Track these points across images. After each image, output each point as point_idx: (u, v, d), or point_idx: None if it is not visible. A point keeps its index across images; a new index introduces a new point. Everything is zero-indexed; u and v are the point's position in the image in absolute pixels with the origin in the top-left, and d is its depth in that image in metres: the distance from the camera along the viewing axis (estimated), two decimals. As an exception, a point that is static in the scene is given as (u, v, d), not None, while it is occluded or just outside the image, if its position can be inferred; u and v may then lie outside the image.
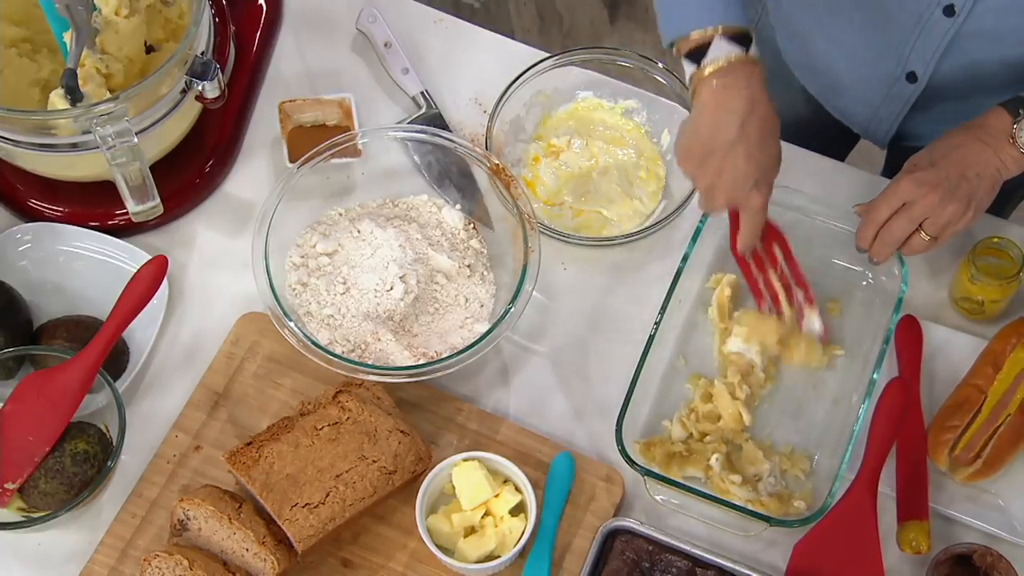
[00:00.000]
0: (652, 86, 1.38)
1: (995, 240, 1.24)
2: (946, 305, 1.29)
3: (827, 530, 1.12)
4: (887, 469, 1.16)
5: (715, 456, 1.17)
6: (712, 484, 1.17)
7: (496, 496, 1.17)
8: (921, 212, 1.15)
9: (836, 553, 1.11)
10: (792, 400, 1.23)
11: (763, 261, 1.22)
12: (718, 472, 1.17)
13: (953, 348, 1.24)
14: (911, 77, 1.26)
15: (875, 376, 1.17)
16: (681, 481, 1.16)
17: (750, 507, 1.15)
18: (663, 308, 1.21)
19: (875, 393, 1.16)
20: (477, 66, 1.42)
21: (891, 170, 1.53)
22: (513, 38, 1.46)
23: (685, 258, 1.24)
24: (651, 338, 1.20)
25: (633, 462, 1.15)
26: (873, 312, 1.25)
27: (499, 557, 1.14)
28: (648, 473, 1.15)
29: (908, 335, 1.24)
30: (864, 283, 1.27)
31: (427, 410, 1.23)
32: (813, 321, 1.22)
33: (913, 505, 1.16)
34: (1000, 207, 1.37)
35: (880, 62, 1.27)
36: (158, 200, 1.23)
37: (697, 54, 1.10)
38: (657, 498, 1.18)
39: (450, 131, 1.36)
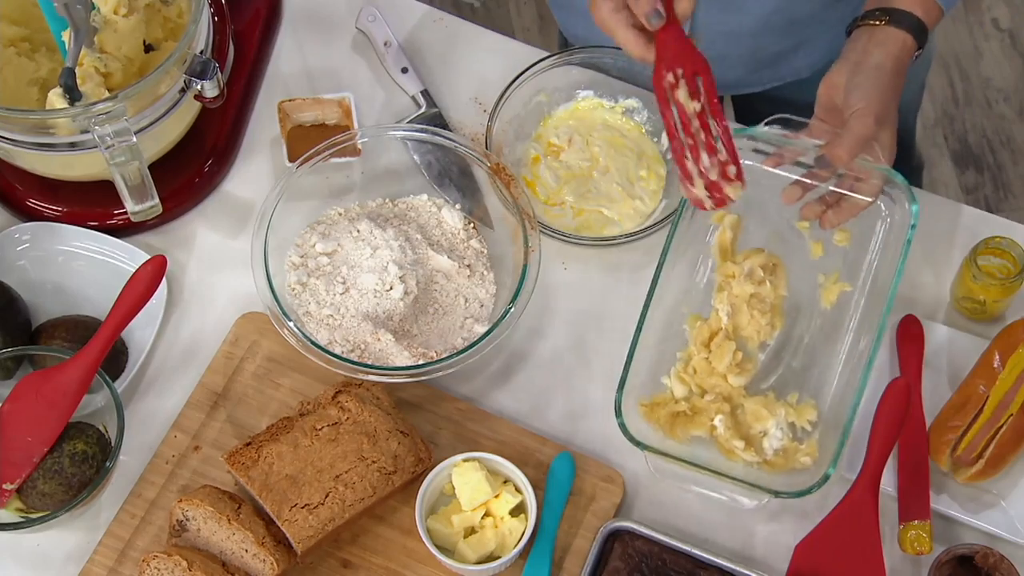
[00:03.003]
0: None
1: (997, 240, 1.23)
2: (948, 305, 1.28)
3: (829, 530, 1.11)
4: (888, 469, 1.15)
5: (719, 417, 1.14)
6: (718, 445, 1.15)
7: (496, 497, 1.16)
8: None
9: (838, 554, 1.11)
10: (799, 343, 1.20)
11: (685, 108, 1.11)
12: (722, 432, 1.14)
13: (955, 348, 1.24)
14: None
15: (885, 318, 1.13)
16: (680, 455, 1.13)
17: (756, 468, 1.12)
18: (662, 259, 1.18)
19: (884, 336, 1.12)
20: (477, 66, 1.42)
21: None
22: (513, 38, 1.46)
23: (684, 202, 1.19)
24: (650, 295, 1.17)
25: (632, 437, 1.12)
26: (888, 248, 1.20)
27: (499, 558, 1.14)
28: (647, 448, 1.13)
29: (909, 335, 1.24)
30: (876, 214, 1.22)
31: (427, 410, 1.23)
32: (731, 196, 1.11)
33: (915, 505, 1.16)
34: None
35: None
36: (157, 200, 1.22)
37: None
38: (655, 472, 1.16)
39: (450, 130, 1.36)
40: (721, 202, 1.10)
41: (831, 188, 1.19)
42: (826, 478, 1.10)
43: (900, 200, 1.20)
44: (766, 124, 1.20)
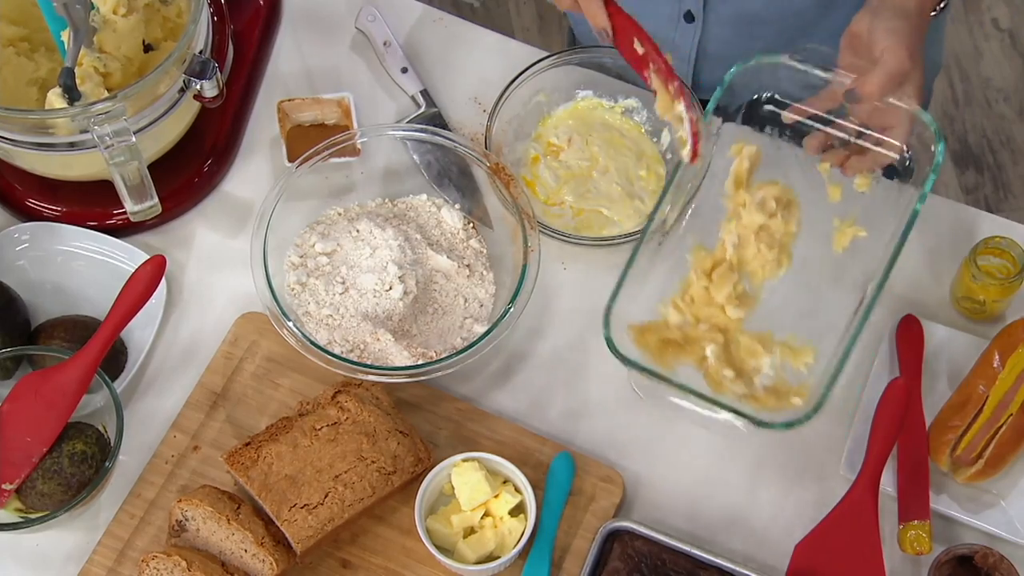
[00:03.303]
0: (652, 85, 1.37)
1: (997, 239, 1.23)
2: (947, 305, 1.28)
3: (828, 530, 1.11)
4: (888, 469, 1.15)
5: (711, 347, 1.10)
6: (707, 376, 1.10)
7: (495, 497, 1.16)
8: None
9: (837, 554, 1.11)
10: (806, 285, 1.15)
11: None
12: (713, 363, 1.10)
13: (954, 348, 1.24)
14: (688, 17, 1.31)
15: (893, 264, 1.08)
16: (664, 373, 1.09)
17: (744, 403, 1.08)
18: (672, 175, 1.13)
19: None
20: (477, 65, 1.42)
21: None
22: (513, 37, 1.46)
23: (707, 112, 1.15)
24: (657, 206, 1.12)
25: (617, 351, 1.08)
26: (907, 195, 1.14)
27: (499, 558, 1.14)
28: (632, 364, 1.08)
29: (909, 335, 1.24)
30: (899, 160, 1.17)
31: (426, 410, 1.23)
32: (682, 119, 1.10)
33: (914, 505, 1.16)
34: None
35: (660, 1, 1.31)
36: (156, 200, 1.22)
37: None
38: (638, 392, 1.11)
39: (449, 130, 1.36)
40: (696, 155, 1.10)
41: (861, 131, 1.13)
42: (817, 409, 1.05)
43: (925, 147, 1.14)
44: (790, 56, 1.15)
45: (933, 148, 1.14)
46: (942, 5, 1.15)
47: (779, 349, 1.12)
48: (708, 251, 1.15)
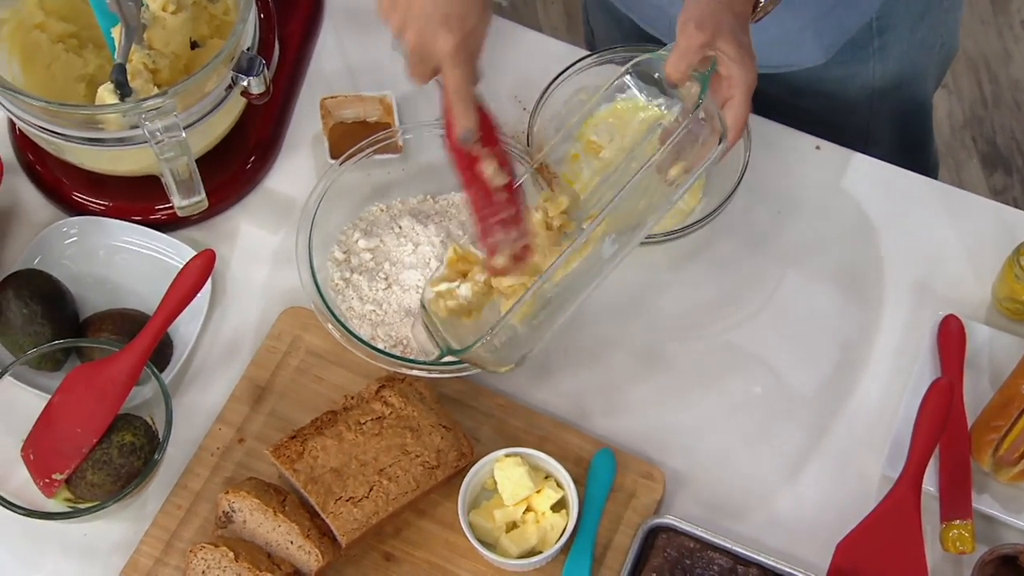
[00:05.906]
0: (693, 84, 1.37)
1: (1039, 240, 1.24)
2: (989, 305, 1.28)
3: (870, 529, 1.12)
4: (930, 469, 1.15)
5: (466, 285, 1.14)
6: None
7: (538, 492, 1.17)
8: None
9: (880, 552, 1.11)
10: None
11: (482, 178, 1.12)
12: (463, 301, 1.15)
13: (996, 348, 1.24)
14: None
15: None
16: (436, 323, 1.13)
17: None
18: None
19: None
20: (515, 63, 1.42)
21: None
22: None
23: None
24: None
25: (423, 303, 1.14)
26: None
27: (541, 553, 1.15)
28: (425, 310, 1.14)
29: (951, 335, 1.24)
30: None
31: (469, 405, 1.24)
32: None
33: (956, 505, 1.16)
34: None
35: None
36: (204, 195, 1.23)
37: None
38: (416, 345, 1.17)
39: (491, 128, 1.36)
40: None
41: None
42: (473, 345, 1.09)
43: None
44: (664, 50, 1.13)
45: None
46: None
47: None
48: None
